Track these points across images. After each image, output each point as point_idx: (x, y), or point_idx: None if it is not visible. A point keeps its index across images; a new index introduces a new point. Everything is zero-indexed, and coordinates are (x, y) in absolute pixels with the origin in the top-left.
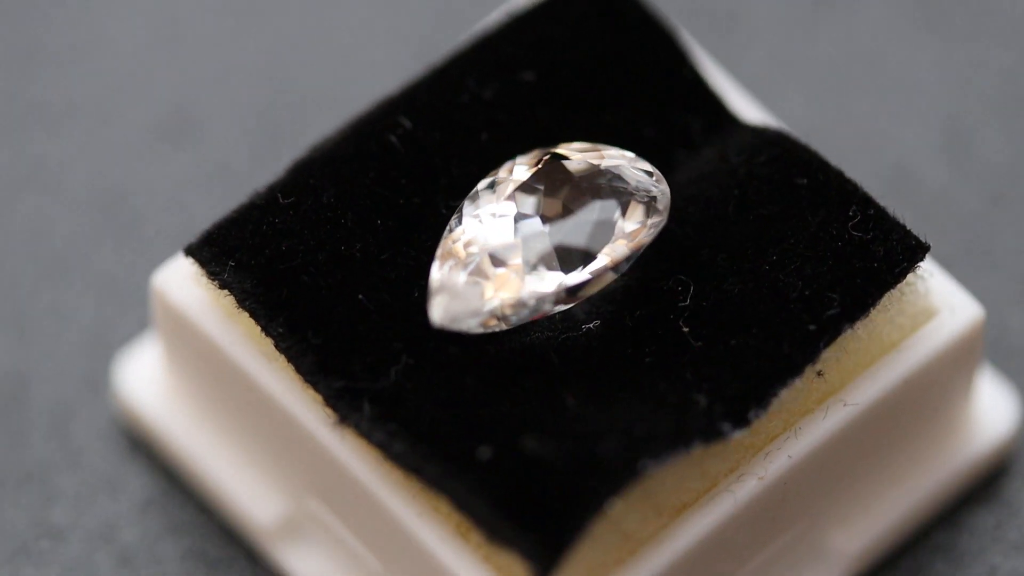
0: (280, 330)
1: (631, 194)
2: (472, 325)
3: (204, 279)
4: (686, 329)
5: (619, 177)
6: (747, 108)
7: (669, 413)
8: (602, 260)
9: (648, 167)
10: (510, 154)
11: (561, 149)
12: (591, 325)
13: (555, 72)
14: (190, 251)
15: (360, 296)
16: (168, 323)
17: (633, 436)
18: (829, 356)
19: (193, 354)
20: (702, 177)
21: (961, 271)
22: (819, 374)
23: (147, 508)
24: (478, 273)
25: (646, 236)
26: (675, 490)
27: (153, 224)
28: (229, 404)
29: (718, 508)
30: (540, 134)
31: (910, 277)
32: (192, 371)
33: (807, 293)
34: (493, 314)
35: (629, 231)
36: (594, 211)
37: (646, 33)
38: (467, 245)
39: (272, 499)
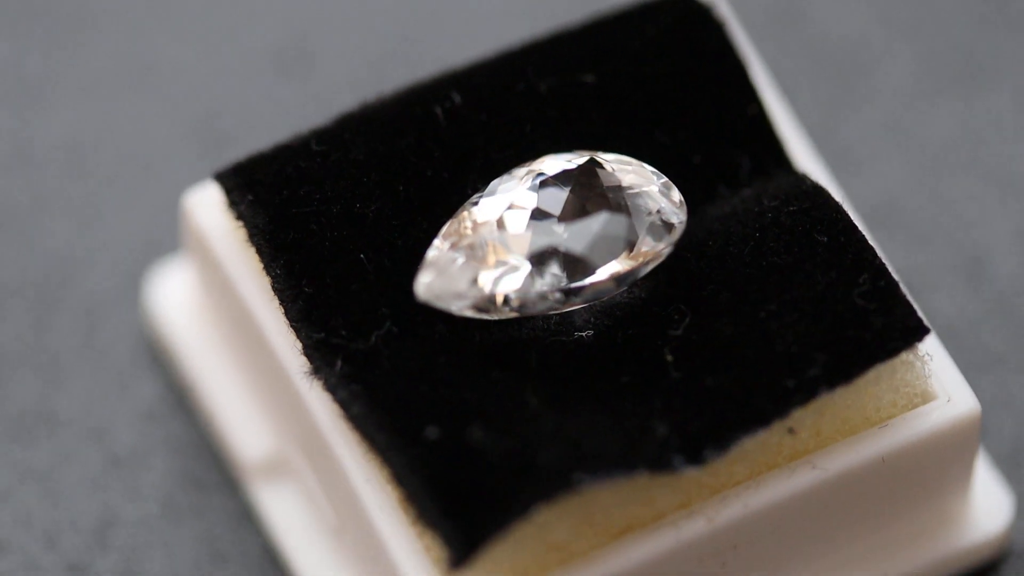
0: (278, 272)
1: (648, 215)
2: (457, 307)
3: (225, 207)
4: (670, 358)
5: (643, 196)
6: (808, 160)
7: (622, 434)
8: (602, 273)
9: (677, 196)
10: (550, 150)
11: (599, 156)
12: (584, 334)
13: (617, 80)
14: (218, 176)
15: (361, 256)
16: (193, 244)
17: (578, 448)
18: (804, 416)
19: (212, 278)
20: (732, 214)
21: (1006, 371)
22: (790, 431)
23: (149, 418)
24: (475, 257)
25: (649, 259)
26: (615, 511)
27: (239, 149)
28: (237, 334)
29: (658, 539)
30: (586, 137)
31: (909, 357)
32: (212, 295)
33: (794, 349)
34: (480, 301)
35: (635, 251)
36: (607, 223)
37: (721, 61)
38: (475, 227)
39: (261, 436)
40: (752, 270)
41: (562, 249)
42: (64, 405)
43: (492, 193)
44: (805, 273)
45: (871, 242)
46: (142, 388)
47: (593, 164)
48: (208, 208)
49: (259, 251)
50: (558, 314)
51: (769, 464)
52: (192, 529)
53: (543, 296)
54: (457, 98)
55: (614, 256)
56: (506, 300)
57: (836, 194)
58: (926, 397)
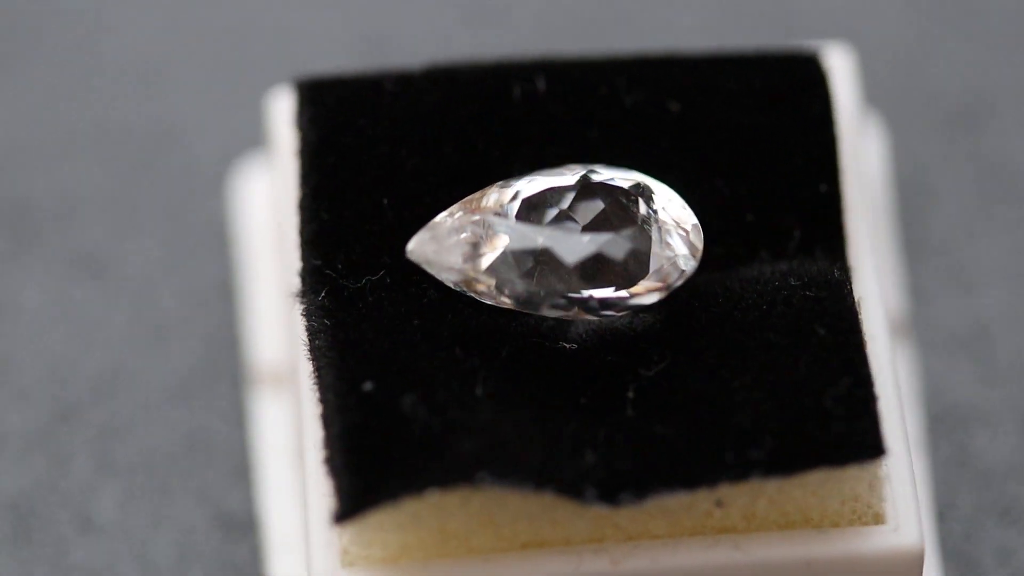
0: (306, 190)
1: (663, 254)
2: (445, 277)
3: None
4: (631, 395)
5: (669, 234)
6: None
7: (550, 450)
8: (587, 291)
9: (699, 244)
10: (608, 161)
11: (649, 182)
12: (568, 346)
13: (701, 116)
14: (298, 83)
15: (384, 201)
16: (268, 141)
17: (498, 448)
18: (737, 494)
19: (277, 179)
20: (755, 280)
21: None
22: (718, 503)
23: (194, 297)
24: (477, 236)
25: (639, 295)
26: (522, 522)
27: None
28: (277, 241)
29: (557, 563)
30: (647, 161)
31: (868, 473)
32: (275, 195)
33: (747, 426)
34: (464, 278)
35: (630, 282)
36: (620, 248)
37: (815, 130)
38: (494, 209)
39: (275, 346)
40: (745, 339)
41: (559, 255)
42: (131, 259)
43: (528, 181)
44: (791, 359)
45: (884, 351)
46: (203, 267)
47: (638, 189)
48: (285, 111)
49: (300, 165)
50: (554, 319)
51: (693, 529)
52: (192, 412)
53: (527, 293)
54: (541, 84)
55: (609, 282)
56: (494, 290)
57: (875, 292)
58: (876, 519)
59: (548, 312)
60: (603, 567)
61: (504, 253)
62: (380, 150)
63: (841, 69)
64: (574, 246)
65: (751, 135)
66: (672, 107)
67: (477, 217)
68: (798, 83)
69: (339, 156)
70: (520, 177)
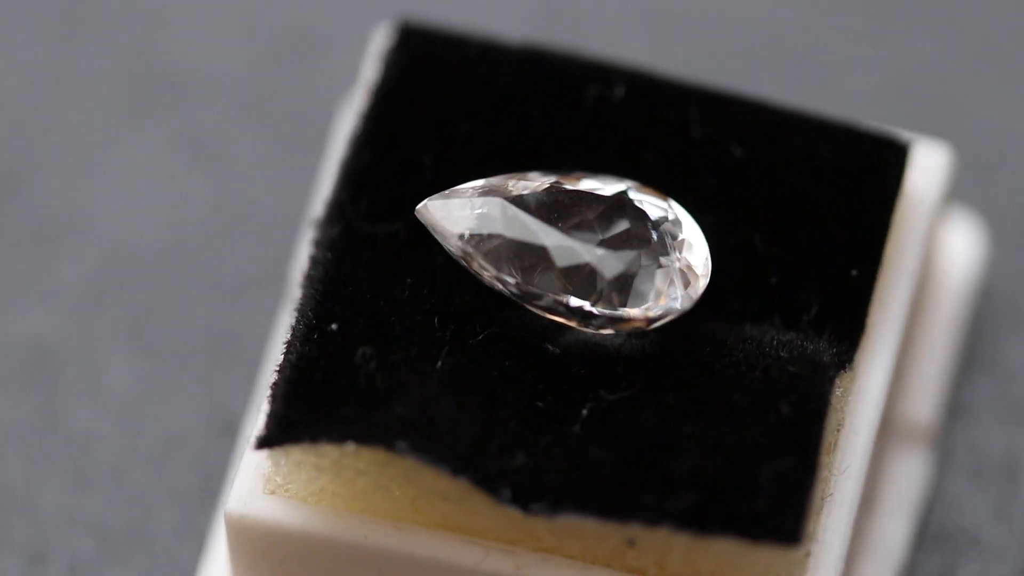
0: (363, 126)
1: (660, 288)
2: (445, 245)
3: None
4: (584, 412)
5: (672, 274)
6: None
7: (480, 439)
8: (566, 296)
9: (698, 290)
10: (654, 184)
11: (683, 219)
12: (552, 348)
13: (759, 167)
14: (399, 24)
15: (427, 158)
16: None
17: (425, 420)
18: (649, 539)
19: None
20: (749, 341)
21: None
22: (630, 542)
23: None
24: (491, 217)
25: (615, 322)
26: (435, 500)
27: None
28: None
29: (460, 551)
30: (692, 198)
31: (785, 556)
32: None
33: (677, 475)
34: (465, 256)
35: (612, 306)
36: (618, 268)
37: (868, 213)
38: (517, 195)
39: None
40: (712, 393)
41: (553, 257)
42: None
43: (564, 179)
44: (745, 425)
45: (861, 450)
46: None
47: (666, 221)
48: (378, 48)
49: (367, 102)
50: (549, 320)
51: (605, 560)
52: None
53: (518, 287)
54: (618, 92)
55: (587, 295)
56: (495, 274)
57: (877, 390)
58: None
59: (537, 310)
60: (507, 569)
61: (506, 241)
62: (441, 109)
63: (930, 163)
64: (570, 253)
65: (802, 200)
66: (735, 151)
67: (495, 199)
68: (869, 163)
69: (402, 104)
70: (560, 173)
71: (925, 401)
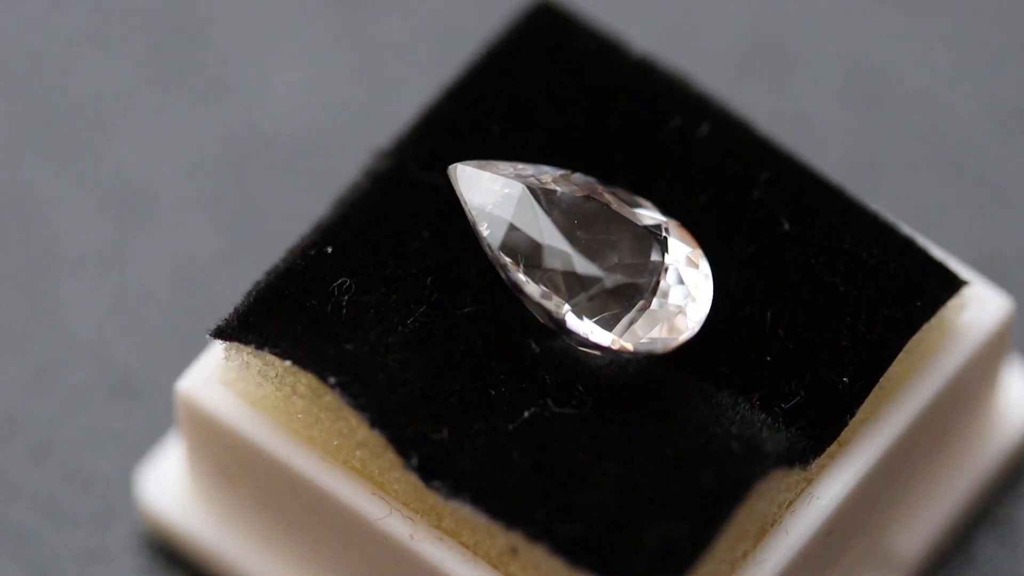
0: (457, 82)
1: (625, 322)
2: (466, 208)
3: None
4: (526, 415)
5: (658, 318)
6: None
7: (411, 401)
8: (552, 298)
9: (670, 346)
10: (694, 230)
11: (702, 274)
12: (534, 346)
13: (801, 246)
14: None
15: (498, 131)
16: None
17: (370, 367)
18: (531, 552)
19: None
20: (718, 406)
21: None
22: (513, 549)
23: None
24: (515, 196)
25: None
26: (355, 443)
27: None
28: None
29: (366, 499)
30: (724, 250)
31: None
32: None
33: (573, 503)
34: (474, 225)
35: (589, 327)
36: (596, 282)
37: (888, 331)
38: (548, 189)
39: None
40: (651, 439)
41: (543, 257)
42: None
43: (611, 194)
44: (664, 481)
45: (786, 549)
46: None
47: (685, 270)
48: (514, 16)
49: (476, 60)
50: (546, 319)
51: (492, 561)
52: None
53: (510, 277)
54: (701, 130)
55: (571, 307)
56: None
57: (833, 500)
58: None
59: (528, 305)
60: (401, 534)
61: (511, 226)
62: (533, 88)
63: (987, 309)
64: (563, 259)
65: (829, 293)
66: (784, 224)
67: (519, 184)
68: (909, 282)
69: (503, 72)
70: (608, 186)
71: (917, 539)
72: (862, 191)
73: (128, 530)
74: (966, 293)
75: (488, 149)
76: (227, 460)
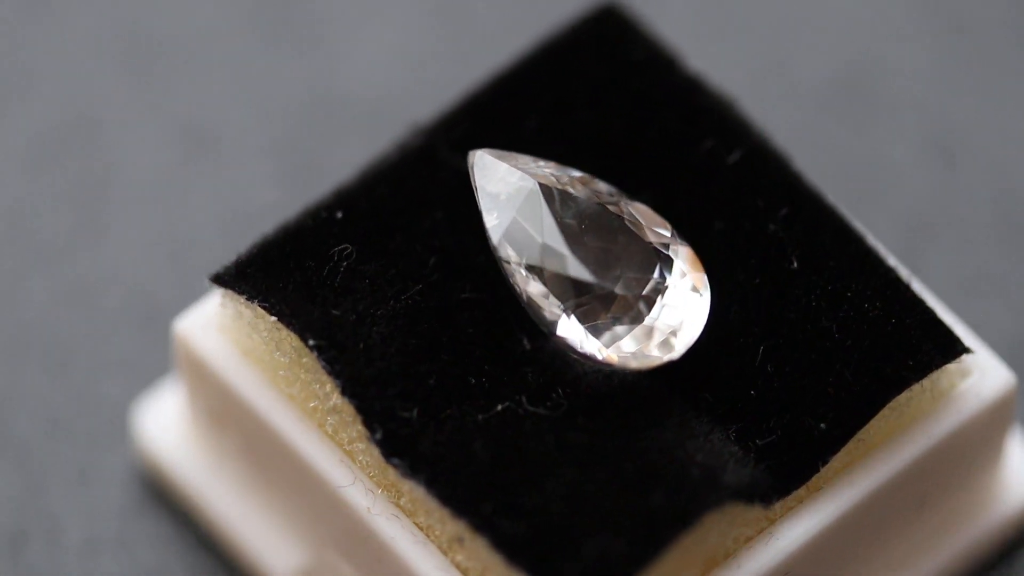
0: (512, 68)
1: (611, 332)
2: (479, 194)
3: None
4: (499, 408)
5: (640, 334)
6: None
7: (386, 375)
8: (544, 295)
9: (649, 364)
10: (703, 256)
11: (703, 294)
12: (524, 342)
13: (805, 292)
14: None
15: (538, 128)
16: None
17: (352, 336)
18: (477, 546)
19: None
20: (680, 428)
21: None
22: (459, 539)
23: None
24: (523, 193)
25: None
26: (328, 408)
27: None
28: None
29: (334, 464)
30: (727, 278)
31: None
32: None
33: (523, 504)
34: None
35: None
36: (582, 287)
37: (878, 387)
38: (564, 190)
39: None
40: (612, 450)
41: (539, 253)
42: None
43: (628, 206)
44: (614, 494)
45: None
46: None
47: (683, 294)
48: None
49: (532, 47)
50: (537, 317)
51: (442, 547)
52: None
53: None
54: (732, 157)
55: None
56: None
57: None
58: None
59: (521, 302)
60: (359, 505)
61: (514, 220)
62: (577, 88)
63: (989, 384)
64: (557, 261)
65: (826, 340)
66: (794, 262)
67: (532, 180)
68: (907, 340)
69: (552, 67)
70: (628, 196)
71: None
72: (917, 246)
73: (122, 459)
74: (970, 362)
75: (520, 141)
76: (216, 404)
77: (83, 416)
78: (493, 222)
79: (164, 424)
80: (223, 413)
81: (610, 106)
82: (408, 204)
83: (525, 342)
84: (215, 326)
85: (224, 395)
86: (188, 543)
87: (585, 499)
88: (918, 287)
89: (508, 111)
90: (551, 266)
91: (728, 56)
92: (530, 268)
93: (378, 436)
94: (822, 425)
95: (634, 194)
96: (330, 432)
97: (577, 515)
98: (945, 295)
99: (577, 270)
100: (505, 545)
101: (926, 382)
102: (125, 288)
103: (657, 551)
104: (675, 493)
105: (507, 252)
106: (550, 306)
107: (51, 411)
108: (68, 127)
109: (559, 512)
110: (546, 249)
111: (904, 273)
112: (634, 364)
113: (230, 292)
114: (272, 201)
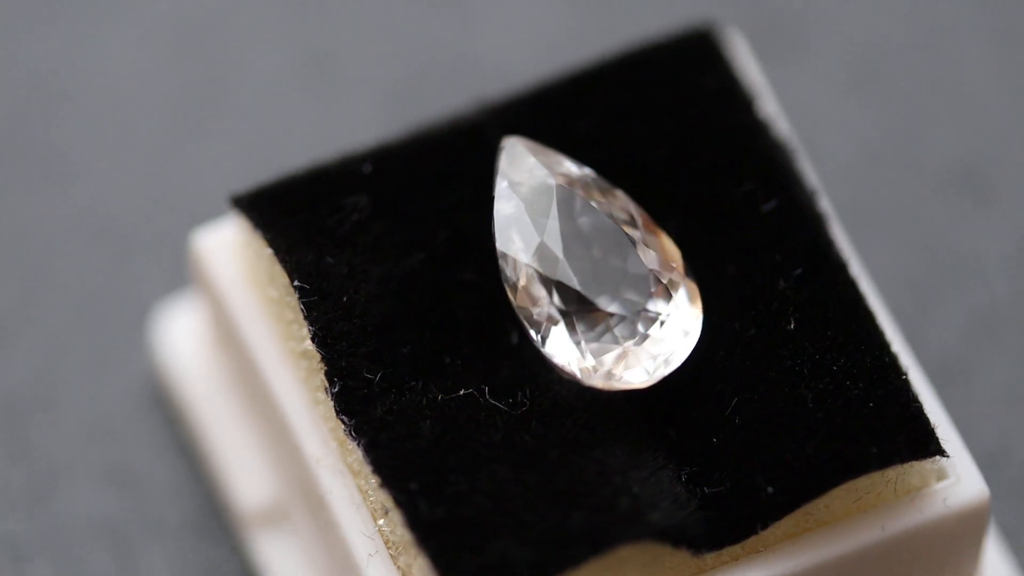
0: (559, 82)
1: (600, 350)
2: (497, 190)
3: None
4: (461, 392)
5: (618, 355)
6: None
7: (363, 340)
8: (525, 306)
9: (613, 387)
10: (705, 293)
11: (691, 335)
12: (513, 336)
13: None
14: (700, 30)
15: (581, 124)
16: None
17: (340, 290)
18: (396, 520)
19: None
20: (635, 455)
21: None
22: (385, 510)
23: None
24: (544, 197)
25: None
26: (304, 359)
27: None
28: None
29: (309, 432)
30: (722, 326)
31: None
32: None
33: (444, 496)
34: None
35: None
36: (569, 293)
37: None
38: (588, 197)
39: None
40: (557, 463)
41: (536, 253)
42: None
43: (651, 231)
44: (541, 509)
45: None
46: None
47: (675, 330)
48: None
49: (623, 51)
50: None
51: (374, 513)
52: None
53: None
54: (767, 206)
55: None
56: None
57: None
58: None
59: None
60: (312, 452)
61: (523, 215)
62: (641, 102)
63: (958, 493)
64: (551, 264)
65: (796, 405)
66: (792, 322)
67: (555, 180)
68: (881, 432)
69: (621, 82)
70: (649, 221)
71: None
72: (981, 349)
73: (136, 367)
74: (948, 466)
75: (568, 140)
76: (218, 324)
77: (116, 308)
78: (503, 210)
79: (178, 333)
80: (224, 335)
81: (667, 127)
82: (438, 175)
83: (513, 336)
84: (229, 246)
85: (223, 317)
86: (176, 453)
87: (509, 501)
88: (917, 378)
89: (567, 108)
90: (543, 267)
91: (853, 116)
92: (524, 264)
93: (335, 390)
94: (770, 489)
95: (660, 219)
96: (303, 376)
97: (495, 514)
98: (992, 399)
99: (567, 277)
100: (418, 526)
101: (891, 473)
102: (209, 191)
103: (560, 569)
104: (595, 516)
105: (505, 242)
106: (533, 305)
107: (84, 296)
108: (193, 26)
109: (479, 507)
110: (542, 248)
111: (906, 361)
112: (599, 383)
113: (240, 215)
114: (369, 140)
